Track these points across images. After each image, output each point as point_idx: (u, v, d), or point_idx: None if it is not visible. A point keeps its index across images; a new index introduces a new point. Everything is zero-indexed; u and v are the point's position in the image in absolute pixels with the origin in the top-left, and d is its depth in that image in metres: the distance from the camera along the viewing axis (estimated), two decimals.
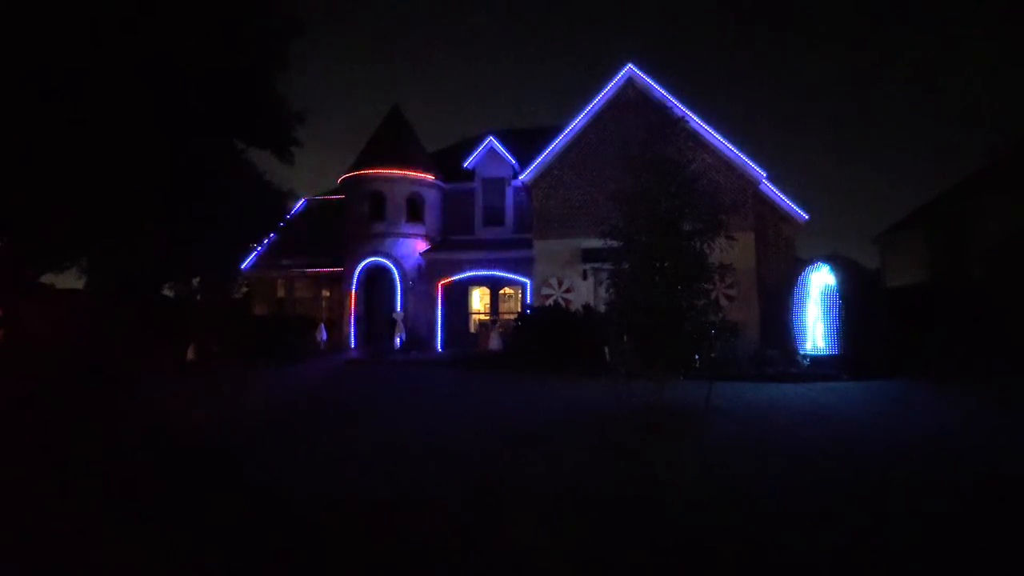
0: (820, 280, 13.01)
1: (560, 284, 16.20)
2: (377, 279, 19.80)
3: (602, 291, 13.23)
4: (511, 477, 5.34)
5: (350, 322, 19.67)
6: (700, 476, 5.30)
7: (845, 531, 3.89)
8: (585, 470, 5.55)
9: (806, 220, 16.96)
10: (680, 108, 14.77)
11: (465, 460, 5.99)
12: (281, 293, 22.11)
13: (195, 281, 22.06)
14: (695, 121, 14.87)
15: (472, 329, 19.72)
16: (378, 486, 5.07)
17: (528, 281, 17.55)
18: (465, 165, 20.47)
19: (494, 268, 18.57)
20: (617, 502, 4.56)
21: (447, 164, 21.28)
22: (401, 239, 19.31)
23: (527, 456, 6.11)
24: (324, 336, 19.34)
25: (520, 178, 17.33)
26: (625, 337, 8.32)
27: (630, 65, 16.19)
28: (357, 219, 19.57)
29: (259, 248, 21.76)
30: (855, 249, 53.55)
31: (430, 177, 19.98)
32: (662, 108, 14.51)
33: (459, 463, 5.85)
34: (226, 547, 3.74)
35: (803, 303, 13.08)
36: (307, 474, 5.46)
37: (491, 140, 20.29)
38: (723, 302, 11.73)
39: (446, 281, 19.16)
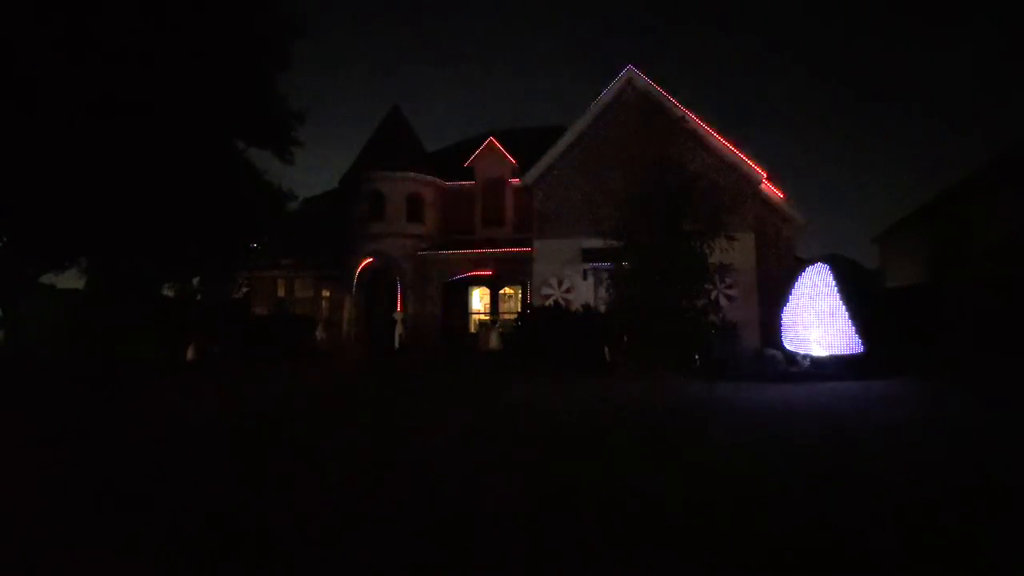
0: (820, 280, 13.00)
1: (560, 284, 16.19)
2: (377, 279, 19.81)
3: (602, 291, 13.25)
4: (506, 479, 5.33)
5: (350, 322, 19.68)
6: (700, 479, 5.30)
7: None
8: (584, 471, 5.55)
9: (806, 220, 16.98)
10: (680, 108, 14.79)
11: (464, 462, 5.99)
12: (281, 293, 22.13)
13: (195, 281, 22.06)
14: (695, 121, 14.88)
15: (472, 329, 19.73)
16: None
17: (528, 281, 17.54)
18: (465, 165, 20.47)
19: (494, 268, 18.57)
20: (616, 505, 4.55)
21: (447, 164, 21.29)
22: (401, 239, 19.30)
23: (525, 455, 6.11)
24: (324, 336, 19.35)
25: (520, 178, 17.33)
26: (625, 337, 8.32)
27: (630, 66, 16.19)
28: (357, 219, 19.56)
29: (259, 247, 21.75)
30: (855, 249, 53.57)
31: (430, 177, 19.98)
32: (662, 109, 14.64)
33: (459, 464, 5.86)
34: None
35: (803, 303, 13.07)
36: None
37: (491, 140, 20.30)
38: (723, 302, 11.75)
39: (446, 281, 19.17)
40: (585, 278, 16.10)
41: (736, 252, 10.09)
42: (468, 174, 20.49)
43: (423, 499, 4.62)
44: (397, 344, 18.35)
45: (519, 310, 17.86)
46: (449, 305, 19.54)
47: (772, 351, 13.13)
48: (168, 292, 22.33)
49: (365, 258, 19.40)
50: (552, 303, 15.45)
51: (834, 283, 12.92)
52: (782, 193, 16.80)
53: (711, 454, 6.11)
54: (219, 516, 4.31)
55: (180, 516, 4.31)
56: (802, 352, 12.87)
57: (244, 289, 23.10)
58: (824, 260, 13.54)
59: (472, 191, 20.42)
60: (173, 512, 4.42)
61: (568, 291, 16.06)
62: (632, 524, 4.05)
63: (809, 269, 13.37)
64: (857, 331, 12.58)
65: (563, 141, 16.52)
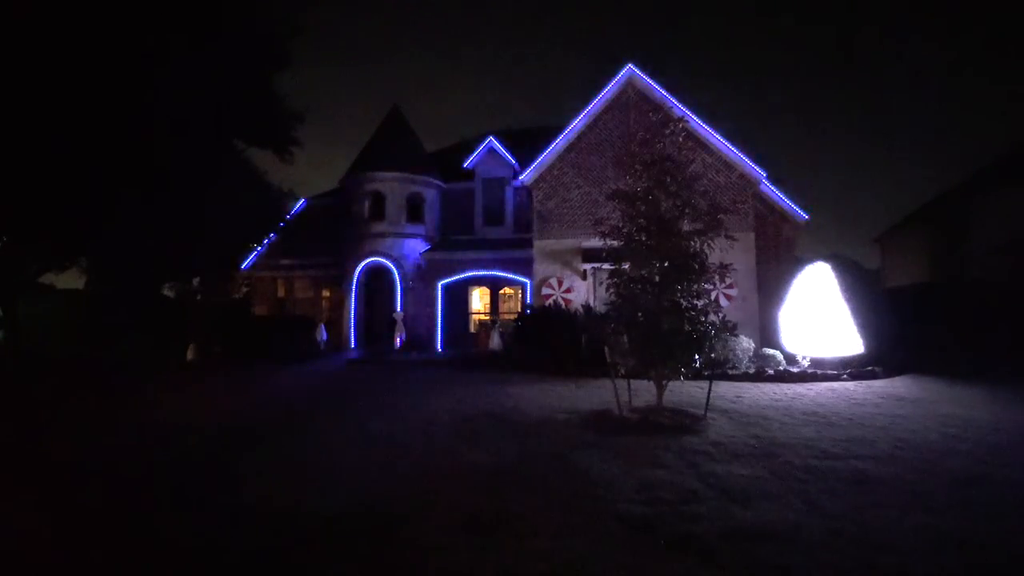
0: (820, 280, 13.00)
1: (560, 284, 16.19)
2: (377, 279, 19.80)
3: (602, 291, 13.22)
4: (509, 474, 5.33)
5: (350, 322, 19.67)
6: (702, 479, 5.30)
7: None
8: (584, 470, 5.55)
9: (806, 220, 16.94)
10: (680, 108, 14.77)
11: (462, 462, 5.99)
12: (281, 293, 22.13)
13: (195, 281, 22.04)
14: (695, 121, 14.87)
15: (472, 329, 19.71)
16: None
17: (528, 281, 17.54)
18: (465, 165, 20.46)
19: (494, 268, 18.57)
20: (617, 507, 4.55)
21: (447, 164, 21.28)
22: (401, 239, 19.31)
23: (526, 457, 6.10)
24: (324, 336, 19.33)
25: (520, 178, 17.31)
26: (625, 337, 8.30)
27: (630, 65, 16.16)
28: (357, 219, 19.57)
29: (259, 248, 21.76)
30: (855, 249, 53.57)
31: (430, 177, 19.99)
32: (662, 108, 14.60)
33: (456, 462, 5.86)
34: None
35: (803, 303, 13.06)
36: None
37: (491, 140, 20.29)
38: (723, 302, 11.73)
39: (446, 281, 19.16)
40: (585, 278, 16.10)
41: (736, 252, 10.05)
42: (468, 174, 20.49)
43: None
44: (397, 344, 18.35)
45: (519, 310, 17.84)
46: (449, 305, 19.52)
47: (772, 351, 13.12)
48: (168, 292, 22.33)
49: (365, 258, 19.39)
50: (552, 303, 15.44)
51: (834, 283, 12.93)
52: (782, 193, 16.79)
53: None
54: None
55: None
56: (802, 352, 12.87)
57: (244, 289, 23.08)
58: (824, 260, 13.55)
59: (472, 191, 20.42)
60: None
61: (568, 291, 16.06)
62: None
63: (809, 269, 13.37)
64: (857, 331, 12.59)
65: (562, 141, 16.50)
